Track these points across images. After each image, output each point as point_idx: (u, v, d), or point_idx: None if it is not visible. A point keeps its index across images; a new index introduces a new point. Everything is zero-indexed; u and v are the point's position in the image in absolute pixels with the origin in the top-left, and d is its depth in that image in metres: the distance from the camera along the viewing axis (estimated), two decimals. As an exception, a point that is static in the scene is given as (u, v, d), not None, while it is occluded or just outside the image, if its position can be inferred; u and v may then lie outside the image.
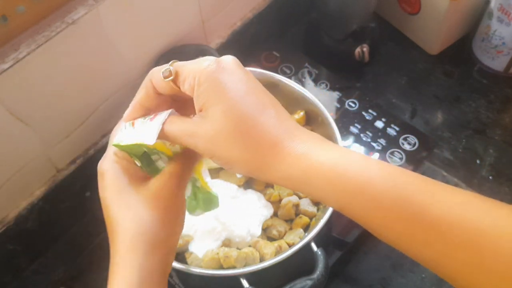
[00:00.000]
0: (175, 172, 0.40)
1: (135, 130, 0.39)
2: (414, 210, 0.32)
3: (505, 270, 0.30)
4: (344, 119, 0.84)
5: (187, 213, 0.43)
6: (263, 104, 0.36)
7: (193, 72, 0.36)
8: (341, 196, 0.34)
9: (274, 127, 0.35)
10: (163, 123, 0.38)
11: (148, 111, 0.41)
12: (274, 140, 0.35)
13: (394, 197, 0.32)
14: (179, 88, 0.38)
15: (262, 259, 0.63)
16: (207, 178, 0.45)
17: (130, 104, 0.41)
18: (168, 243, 0.40)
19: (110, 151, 0.41)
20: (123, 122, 0.42)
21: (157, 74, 0.38)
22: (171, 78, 0.37)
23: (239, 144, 0.35)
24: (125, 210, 0.39)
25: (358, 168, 0.34)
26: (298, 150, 0.35)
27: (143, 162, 0.41)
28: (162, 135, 0.38)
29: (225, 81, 0.36)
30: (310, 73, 0.90)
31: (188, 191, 0.45)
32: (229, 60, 0.38)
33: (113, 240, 0.39)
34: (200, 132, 0.36)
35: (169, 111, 0.39)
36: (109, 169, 0.40)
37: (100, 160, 0.41)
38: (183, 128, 0.37)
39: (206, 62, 0.36)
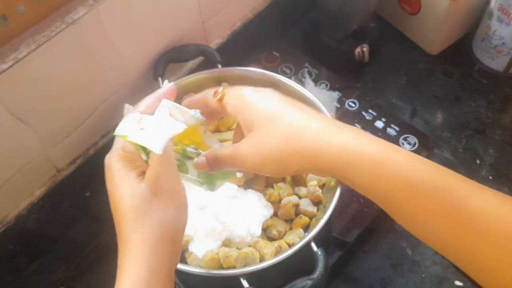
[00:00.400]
0: (159, 159, 0.40)
1: (143, 132, 0.40)
2: (454, 201, 0.33)
3: None
4: (344, 119, 0.84)
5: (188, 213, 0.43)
6: (301, 108, 0.41)
7: (234, 94, 0.43)
8: (383, 182, 0.36)
9: (316, 124, 0.39)
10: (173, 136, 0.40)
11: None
12: (318, 133, 0.39)
13: (436, 187, 0.34)
14: (224, 108, 0.44)
15: (262, 259, 0.63)
16: (216, 145, 0.46)
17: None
18: (174, 233, 0.40)
19: (118, 144, 0.42)
20: (132, 114, 0.42)
21: (211, 92, 0.46)
22: (218, 97, 0.44)
23: (287, 147, 0.40)
24: (130, 203, 0.39)
25: (402, 158, 0.36)
26: (344, 139, 0.38)
27: (148, 155, 0.42)
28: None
29: (261, 99, 0.41)
30: (310, 73, 0.90)
31: (194, 173, 0.46)
32: (266, 88, 0.44)
33: (120, 232, 0.40)
34: (250, 152, 0.42)
35: (181, 126, 0.40)
36: (115, 163, 0.41)
37: (108, 154, 0.42)
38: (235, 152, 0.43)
39: (245, 88, 0.43)
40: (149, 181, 0.39)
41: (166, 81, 0.48)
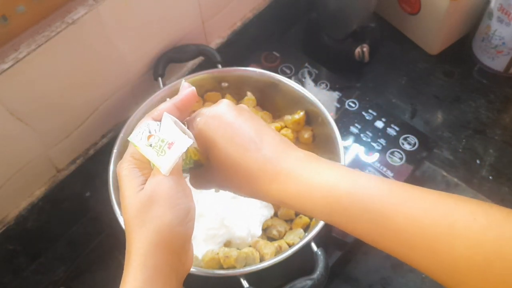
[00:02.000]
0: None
1: (152, 149, 0.41)
2: (379, 222, 0.37)
3: (461, 269, 0.33)
4: (344, 119, 0.84)
5: None
6: (247, 139, 0.42)
7: (192, 124, 0.44)
8: (321, 212, 0.40)
9: (256, 160, 0.41)
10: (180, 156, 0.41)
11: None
12: (256, 173, 0.41)
13: (361, 211, 0.38)
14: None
15: (262, 259, 0.63)
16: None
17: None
18: (172, 242, 0.40)
19: (129, 151, 0.43)
20: (147, 121, 0.43)
21: None
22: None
23: (232, 179, 0.43)
24: (129, 211, 0.40)
25: (330, 187, 0.39)
26: (276, 182, 0.41)
27: None
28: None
29: (212, 130, 0.42)
30: (310, 73, 0.90)
31: None
32: (219, 108, 0.44)
33: (127, 240, 0.40)
34: (208, 177, 0.45)
35: (188, 143, 0.40)
36: (123, 169, 0.42)
37: (120, 161, 0.43)
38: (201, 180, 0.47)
39: (198, 117, 0.44)
40: (148, 189, 0.40)
41: (183, 80, 0.47)
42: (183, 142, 0.40)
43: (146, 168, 0.41)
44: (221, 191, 0.49)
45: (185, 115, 0.45)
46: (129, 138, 0.42)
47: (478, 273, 0.33)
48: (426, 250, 0.35)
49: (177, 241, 0.40)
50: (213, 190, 0.51)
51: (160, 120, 0.42)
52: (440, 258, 0.34)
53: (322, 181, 0.39)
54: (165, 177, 0.40)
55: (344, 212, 0.38)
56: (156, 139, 0.41)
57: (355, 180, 0.39)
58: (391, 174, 0.77)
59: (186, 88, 0.45)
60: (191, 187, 0.45)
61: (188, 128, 0.44)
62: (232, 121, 0.43)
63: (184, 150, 0.40)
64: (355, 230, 0.39)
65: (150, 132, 0.41)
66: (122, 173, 0.41)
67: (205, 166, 0.45)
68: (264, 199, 0.43)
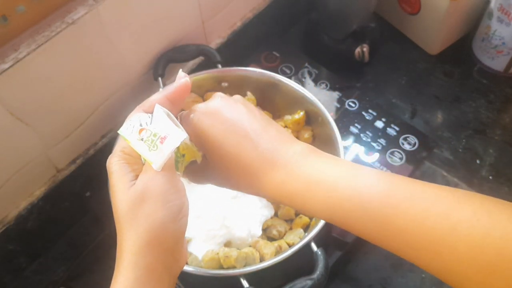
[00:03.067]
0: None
1: (143, 143, 0.39)
2: (379, 222, 0.36)
3: (464, 270, 0.33)
4: (344, 119, 0.84)
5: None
6: (243, 137, 0.41)
7: (186, 121, 0.43)
8: (321, 211, 0.39)
9: (253, 159, 0.41)
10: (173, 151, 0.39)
11: None
12: (254, 170, 0.41)
13: (362, 212, 0.37)
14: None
15: (262, 259, 0.63)
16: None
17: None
18: (164, 239, 0.39)
19: (119, 146, 0.41)
20: (138, 114, 0.41)
21: None
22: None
23: (230, 177, 0.43)
24: (120, 208, 0.39)
25: (330, 187, 0.38)
26: (274, 180, 0.40)
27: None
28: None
29: (207, 128, 0.42)
30: (310, 73, 0.90)
31: None
32: (213, 104, 0.43)
33: (118, 238, 0.40)
34: (204, 173, 0.45)
35: (181, 137, 0.39)
36: (113, 164, 0.40)
37: (110, 155, 0.41)
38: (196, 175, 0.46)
39: (192, 114, 0.43)
40: (140, 186, 0.39)
41: (180, 70, 0.45)
42: (177, 136, 0.39)
43: (137, 163, 0.40)
44: (219, 189, 0.48)
45: (178, 108, 0.43)
46: (119, 131, 0.41)
47: (482, 274, 0.32)
48: (428, 250, 0.34)
49: (170, 239, 0.39)
50: (212, 190, 0.51)
51: (151, 112, 0.41)
52: (443, 258, 0.34)
53: (320, 179, 0.39)
54: (157, 173, 0.38)
55: (345, 213, 0.38)
56: (148, 133, 0.39)
57: (355, 180, 0.38)
58: (391, 174, 0.77)
59: (181, 78, 0.43)
60: (185, 182, 0.44)
61: (181, 124, 0.42)
62: (227, 118, 0.42)
63: (178, 145, 0.39)
64: (356, 230, 0.38)
65: (141, 125, 0.40)
66: (112, 168, 0.40)
67: (201, 162, 0.44)
68: (263, 196, 0.42)
